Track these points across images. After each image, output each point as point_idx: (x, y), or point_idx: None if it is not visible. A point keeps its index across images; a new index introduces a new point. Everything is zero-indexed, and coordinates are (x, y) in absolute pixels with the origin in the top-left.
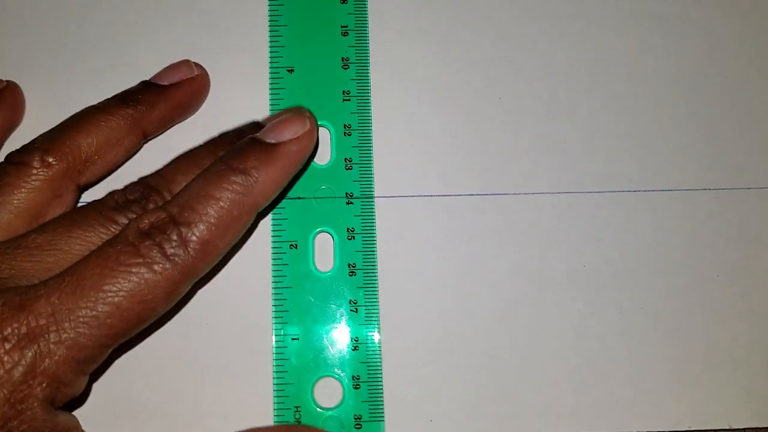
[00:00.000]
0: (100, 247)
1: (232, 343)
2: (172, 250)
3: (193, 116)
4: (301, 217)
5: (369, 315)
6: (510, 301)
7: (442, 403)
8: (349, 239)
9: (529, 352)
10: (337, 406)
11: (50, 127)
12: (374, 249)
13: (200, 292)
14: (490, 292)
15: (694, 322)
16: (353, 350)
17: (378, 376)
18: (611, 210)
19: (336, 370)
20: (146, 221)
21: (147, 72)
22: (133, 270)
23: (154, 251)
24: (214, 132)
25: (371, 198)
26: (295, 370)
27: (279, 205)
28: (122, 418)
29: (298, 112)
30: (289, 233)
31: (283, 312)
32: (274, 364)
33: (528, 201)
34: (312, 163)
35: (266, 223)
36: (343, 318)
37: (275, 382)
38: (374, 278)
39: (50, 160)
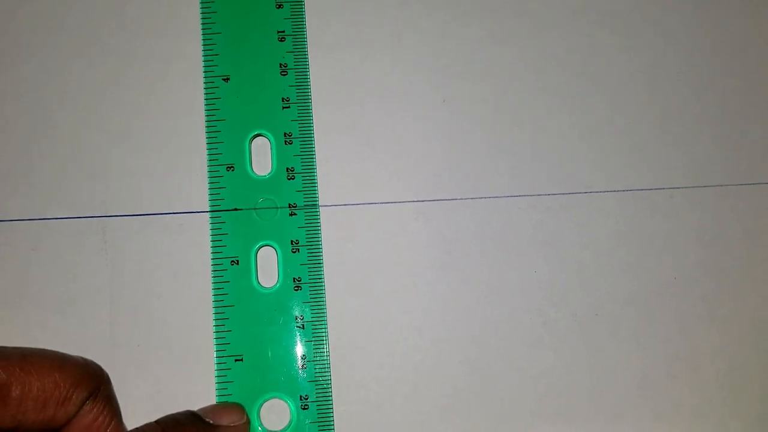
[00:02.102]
0: None
1: (170, 366)
2: None
3: (123, 130)
4: (242, 230)
5: (316, 331)
6: (460, 312)
7: (392, 422)
8: (294, 252)
9: (480, 366)
10: (284, 429)
11: None
12: (320, 261)
13: (134, 314)
14: (439, 303)
15: (653, 328)
16: (301, 369)
17: (327, 395)
18: (562, 213)
19: (283, 391)
20: None
21: (76, 83)
22: None
23: None
24: (143, 146)
25: (315, 208)
26: (238, 392)
27: (218, 219)
28: None
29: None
30: (229, 248)
31: (225, 332)
32: (217, 387)
33: (476, 206)
34: (251, 173)
35: (205, 239)
36: (289, 335)
37: None
38: (321, 292)
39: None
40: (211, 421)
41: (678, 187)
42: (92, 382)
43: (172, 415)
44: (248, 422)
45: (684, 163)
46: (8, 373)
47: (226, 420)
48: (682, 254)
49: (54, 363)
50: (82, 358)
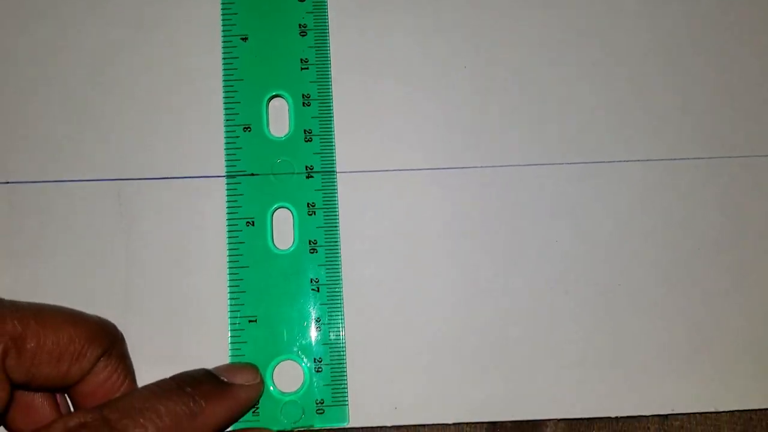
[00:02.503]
0: None
1: (184, 326)
2: None
3: (138, 91)
4: (258, 192)
5: (331, 294)
6: (477, 280)
7: (406, 387)
8: (310, 215)
9: (497, 334)
10: (297, 391)
11: None
12: (336, 225)
13: (148, 274)
14: (456, 271)
15: (675, 299)
16: (315, 331)
17: (341, 358)
18: (584, 182)
19: (296, 353)
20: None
21: (91, 45)
22: None
23: None
24: (158, 109)
25: (333, 171)
26: (252, 353)
27: (234, 181)
28: None
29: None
30: (245, 209)
31: (239, 293)
32: (230, 348)
33: (496, 174)
34: (268, 134)
35: (221, 200)
36: (304, 298)
37: None
38: (337, 255)
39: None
40: (226, 380)
41: (701, 158)
42: (106, 340)
43: (187, 371)
44: (262, 382)
45: (707, 134)
46: (23, 325)
47: (240, 379)
48: (705, 225)
49: (69, 319)
50: (96, 316)
